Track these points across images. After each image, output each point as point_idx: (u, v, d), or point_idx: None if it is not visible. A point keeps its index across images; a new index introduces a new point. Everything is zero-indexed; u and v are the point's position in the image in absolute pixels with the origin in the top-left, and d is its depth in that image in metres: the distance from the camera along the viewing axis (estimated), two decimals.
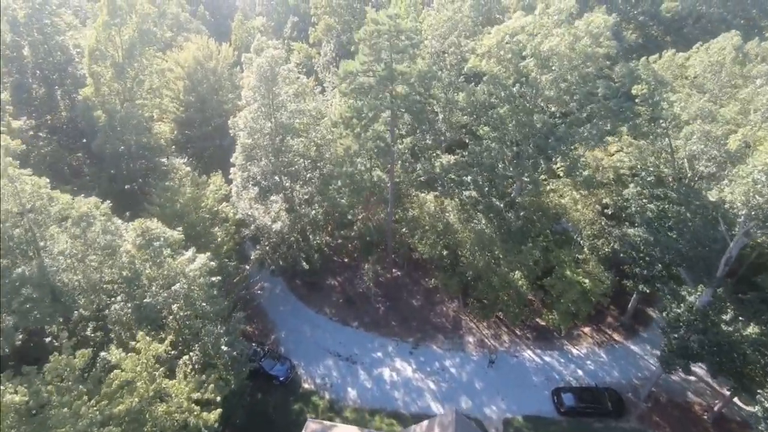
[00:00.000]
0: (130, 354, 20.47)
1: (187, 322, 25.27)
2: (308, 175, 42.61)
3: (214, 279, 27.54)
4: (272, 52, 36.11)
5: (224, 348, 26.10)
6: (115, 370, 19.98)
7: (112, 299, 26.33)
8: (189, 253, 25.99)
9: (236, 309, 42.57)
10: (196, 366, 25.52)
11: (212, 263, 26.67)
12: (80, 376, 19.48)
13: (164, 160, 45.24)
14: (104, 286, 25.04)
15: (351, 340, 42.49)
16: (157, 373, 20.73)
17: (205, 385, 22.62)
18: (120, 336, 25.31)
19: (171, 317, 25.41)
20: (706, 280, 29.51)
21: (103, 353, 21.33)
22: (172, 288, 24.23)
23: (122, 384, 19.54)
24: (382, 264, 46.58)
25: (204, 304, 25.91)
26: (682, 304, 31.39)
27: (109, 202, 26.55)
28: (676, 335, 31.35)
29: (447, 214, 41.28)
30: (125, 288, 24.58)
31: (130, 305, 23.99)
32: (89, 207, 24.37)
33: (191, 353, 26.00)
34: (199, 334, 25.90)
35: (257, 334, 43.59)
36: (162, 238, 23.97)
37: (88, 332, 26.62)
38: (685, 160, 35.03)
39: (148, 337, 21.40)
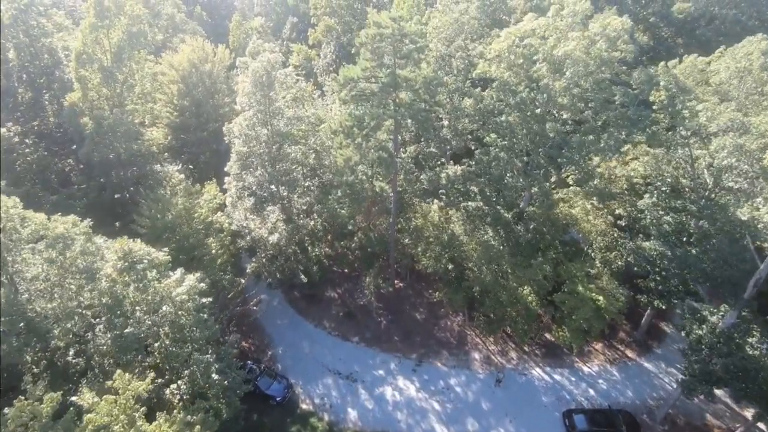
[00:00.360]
0: (105, 396, 18.53)
1: (173, 350, 23.33)
2: (307, 184, 40.69)
3: (204, 300, 25.65)
4: (268, 56, 34.19)
5: (215, 377, 24.15)
6: (89, 414, 18.07)
7: (93, 323, 24.36)
8: (177, 274, 24.05)
9: (231, 324, 40.85)
10: (185, 396, 23.60)
11: (202, 284, 24.73)
12: (49, 422, 17.57)
13: (158, 166, 43.36)
14: (83, 312, 23.08)
15: (351, 357, 40.59)
16: (137, 415, 18.83)
17: (192, 420, 20.69)
18: (102, 364, 23.43)
19: (157, 344, 23.51)
20: (732, 301, 27.56)
21: (74, 398, 19.38)
22: (159, 313, 22.32)
23: (97, 428, 17.65)
24: (383, 275, 44.69)
25: (193, 329, 23.99)
26: (704, 325, 29.52)
27: (89, 220, 24.55)
28: (697, 358, 29.45)
29: (452, 225, 39.43)
30: (106, 313, 22.63)
31: (109, 335, 22.06)
32: (66, 227, 22.46)
33: (179, 381, 24.08)
34: (187, 361, 23.97)
35: (253, 350, 41.72)
36: (146, 260, 22.08)
37: (69, 358, 24.68)
38: (705, 170, 33.15)
39: (127, 375, 19.44)
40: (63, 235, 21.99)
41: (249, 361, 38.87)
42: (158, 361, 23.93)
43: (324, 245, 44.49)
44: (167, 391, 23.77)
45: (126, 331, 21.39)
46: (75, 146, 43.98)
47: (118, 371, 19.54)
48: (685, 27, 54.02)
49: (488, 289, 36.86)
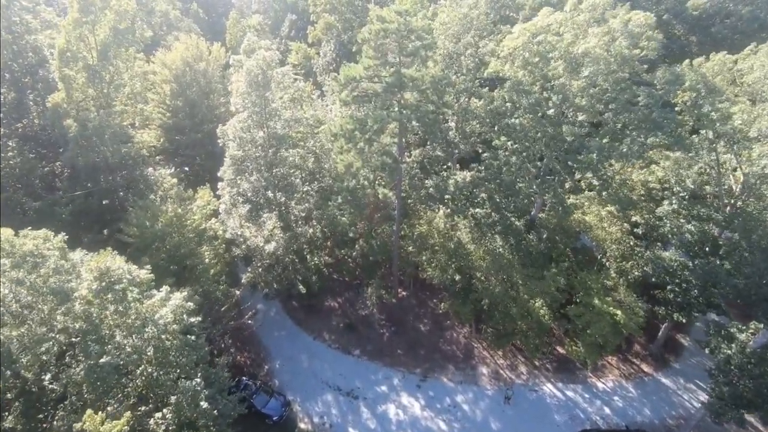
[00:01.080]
0: None
1: (157, 376, 21.19)
2: (305, 189, 38.53)
3: (193, 320, 23.51)
4: (264, 54, 32.01)
5: (204, 405, 22.00)
6: None
7: (74, 342, 22.18)
8: (162, 292, 21.91)
9: (225, 337, 38.68)
10: (171, 427, 21.47)
11: (189, 303, 22.58)
12: None
13: (150, 170, 41.18)
14: (56, 336, 20.92)
15: (352, 371, 38.48)
16: None
17: None
18: (80, 392, 21.28)
19: (139, 370, 21.38)
20: (766, 319, 25.48)
21: None
22: (141, 336, 20.18)
23: None
24: (386, 285, 42.55)
25: (180, 352, 21.86)
26: (732, 344, 27.43)
27: (63, 234, 22.36)
28: (726, 380, 27.36)
29: (458, 233, 37.27)
30: (81, 339, 20.43)
31: (83, 366, 19.87)
32: (36, 243, 20.27)
33: (165, 410, 21.95)
34: (173, 388, 21.83)
35: (249, 364, 39.57)
36: (126, 279, 19.94)
37: (45, 383, 22.53)
38: (732, 176, 31.08)
39: (98, 415, 17.29)
40: (32, 252, 19.86)
41: (244, 377, 36.81)
42: (141, 388, 21.81)
43: (323, 253, 42.29)
44: (151, 422, 21.61)
45: (102, 360, 19.21)
46: (62, 150, 41.80)
47: (89, 411, 17.36)
48: (699, 24, 51.93)
49: (497, 302, 34.76)
